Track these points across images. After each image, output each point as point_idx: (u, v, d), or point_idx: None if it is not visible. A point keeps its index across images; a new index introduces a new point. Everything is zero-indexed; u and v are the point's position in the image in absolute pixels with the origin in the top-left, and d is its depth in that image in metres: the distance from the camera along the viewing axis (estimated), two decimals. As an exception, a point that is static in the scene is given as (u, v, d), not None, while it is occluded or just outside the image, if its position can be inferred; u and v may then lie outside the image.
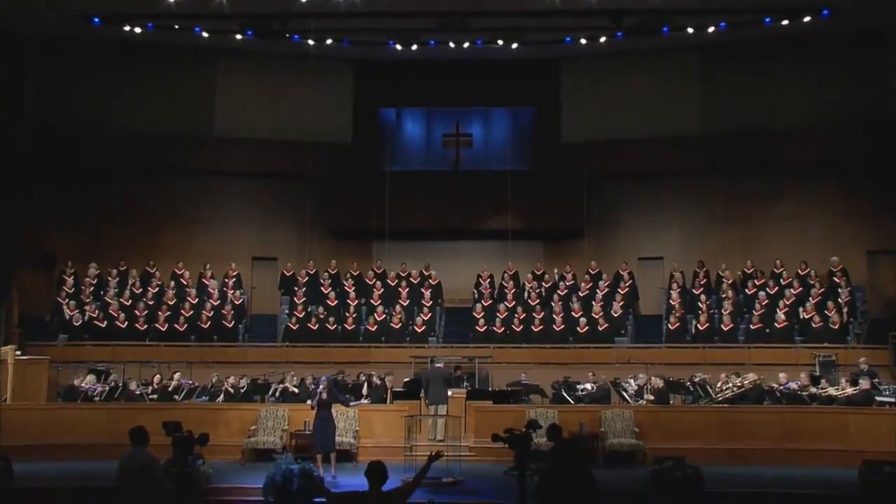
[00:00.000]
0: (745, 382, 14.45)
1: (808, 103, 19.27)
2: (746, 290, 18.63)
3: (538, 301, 18.83)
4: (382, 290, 19.35)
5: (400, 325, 18.26)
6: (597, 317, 18.08)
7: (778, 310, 17.43)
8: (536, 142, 21.58)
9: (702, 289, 18.82)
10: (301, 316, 18.37)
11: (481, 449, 13.18)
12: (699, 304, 18.19)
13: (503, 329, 18.11)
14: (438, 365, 14.53)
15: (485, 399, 14.49)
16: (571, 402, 14.72)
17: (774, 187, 19.68)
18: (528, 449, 7.31)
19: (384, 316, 18.49)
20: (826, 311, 17.12)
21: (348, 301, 19.03)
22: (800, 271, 18.50)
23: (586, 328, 17.83)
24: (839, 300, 17.43)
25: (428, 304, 18.94)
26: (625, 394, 14.69)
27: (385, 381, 15.17)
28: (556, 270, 19.91)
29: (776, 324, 17.21)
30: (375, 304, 18.80)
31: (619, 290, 19.02)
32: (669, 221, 20.48)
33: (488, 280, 19.72)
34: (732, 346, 17.23)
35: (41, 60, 19.62)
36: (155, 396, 14.50)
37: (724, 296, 18.31)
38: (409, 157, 21.92)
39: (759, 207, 19.79)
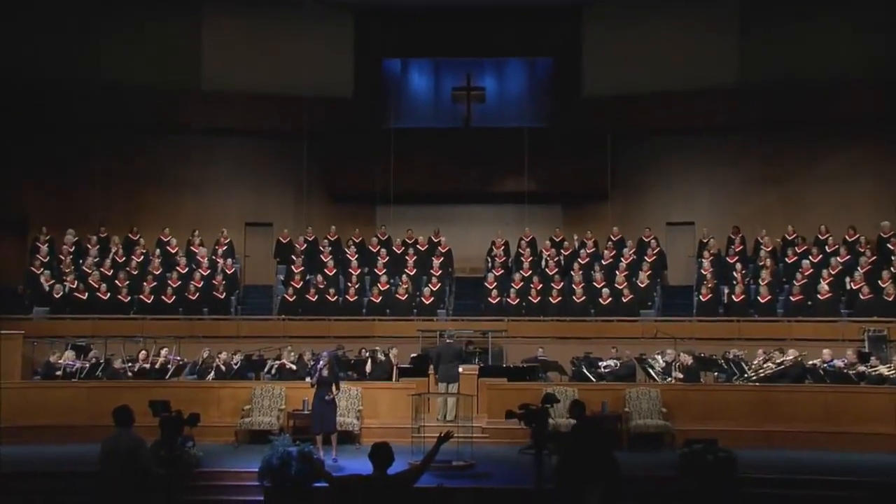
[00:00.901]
0: (785, 359, 14.37)
1: (857, 51, 18.96)
2: (787, 259, 18.50)
3: (557, 270, 18.75)
4: (387, 258, 19.31)
5: (406, 296, 18.24)
6: (621, 287, 18.00)
7: (822, 280, 17.28)
8: (556, 96, 21.36)
9: (737, 257, 18.69)
10: (299, 286, 18.37)
11: (495, 430, 13.21)
12: (734, 273, 18.06)
13: (518, 301, 18.07)
14: (449, 340, 14.53)
15: (498, 376, 14.51)
16: (593, 379, 14.72)
17: (819, 144, 19.44)
18: (545, 425, 7.27)
19: (389, 286, 18.46)
20: (879, 282, 16.96)
21: (350, 270, 19.01)
22: (847, 237, 18.33)
23: (609, 300, 17.78)
24: (893, 269, 17.27)
25: (437, 274, 18.89)
26: (651, 371, 14.65)
27: (390, 357, 15.17)
28: (576, 237, 19.84)
29: (819, 295, 17.08)
30: (379, 273, 18.76)
31: (645, 258, 18.94)
32: (701, 183, 20.32)
33: (502, 247, 19.65)
34: (771, 320, 17.12)
35: (6, 4, 19.36)
36: (148, 366, 14.51)
37: (761, 264, 18.17)
38: (416, 112, 21.75)
39: (801, 167, 19.57)
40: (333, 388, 11.74)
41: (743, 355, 14.99)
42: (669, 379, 14.34)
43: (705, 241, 19.10)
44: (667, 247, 19.71)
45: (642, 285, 18.25)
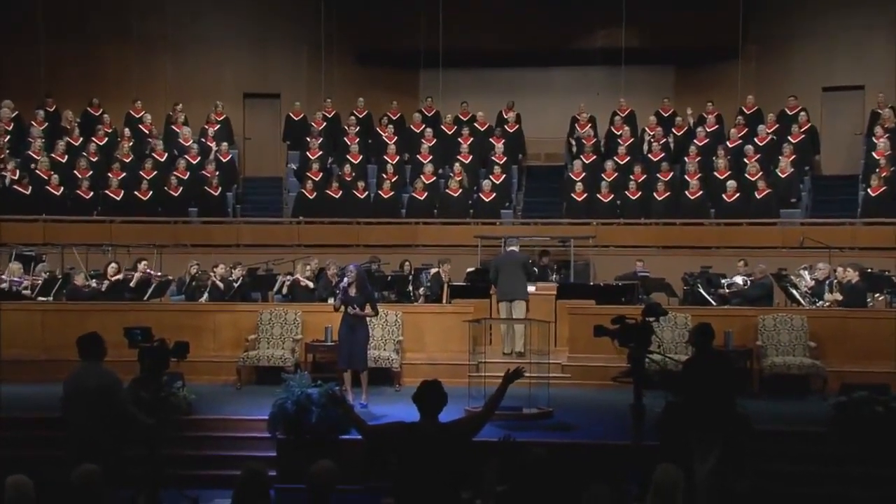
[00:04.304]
0: None
1: None
2: None
3: (664, 156, 18.65)
4: (434, 140, 19.36)
5: (460, 191, 18.32)
6: (753, 178, 17.86)
7: None
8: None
9: (925, 134, 18.37)
10: (317, 179, 18.54)
11: (578, 368, 13.38)
12: (920, 157, 17.81)
13: (612, 197, 18.07)
14: (512, 248, 14.55)
15: (584, 297, 14.56)
16: (713, 303, 14.72)
17: None
18: (648, 345, 7.27)
19: (436, 178, 18.51)
20: None
21: (385, 157, 19.09)
22: None
23: (736, 196, 17.67)
24: None
25: (501, 162, 18.90)
26: (795, 292, 14.61)
27: (440, 272, 15.32)
28: (691, 110, 19.68)
29: None
30: (424, 161, 18.84)
31: (789, 137, 18.69)
32: (875, 32, 19.90)
33: (590, 125, 19.55)
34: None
35: None
36: (121, 283, 14.74)
37: (960, 145, 17.90)
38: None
39: None
40: (367, 308, 11.88)
41: (930, 271, 14.82)
42: (821, 303, 14.25)
43: (879, 111, 18.76)
44: (821, 122, 19.52)
45: (784, 175, 18.09)
